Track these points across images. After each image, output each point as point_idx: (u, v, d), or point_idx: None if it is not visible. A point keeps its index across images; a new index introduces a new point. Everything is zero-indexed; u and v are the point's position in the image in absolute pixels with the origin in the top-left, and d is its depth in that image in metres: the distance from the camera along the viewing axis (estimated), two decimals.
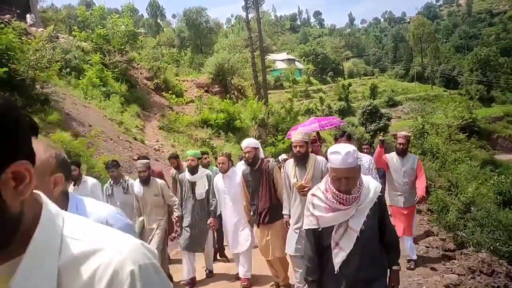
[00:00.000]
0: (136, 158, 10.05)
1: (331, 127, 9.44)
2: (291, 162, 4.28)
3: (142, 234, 5.24)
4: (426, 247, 6.05)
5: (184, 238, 5.26)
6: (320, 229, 2.29)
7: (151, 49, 29.68)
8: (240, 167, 5.50)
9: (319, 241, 2.33)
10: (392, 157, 5.45)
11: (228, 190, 5.04)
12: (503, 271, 4.97)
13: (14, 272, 0.70)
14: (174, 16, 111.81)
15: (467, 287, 4.49)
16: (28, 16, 18.54)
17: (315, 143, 6.58)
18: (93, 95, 14.85)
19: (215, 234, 6.07)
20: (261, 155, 4.81)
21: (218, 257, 6.45)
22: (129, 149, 11.87)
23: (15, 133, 0.70)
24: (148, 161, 5.41)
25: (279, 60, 62.87)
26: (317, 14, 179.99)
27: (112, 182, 5.46)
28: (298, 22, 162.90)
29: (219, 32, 65.64)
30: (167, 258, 6.11)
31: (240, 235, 5.03)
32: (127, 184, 5.43)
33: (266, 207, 4.53)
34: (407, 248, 5.14)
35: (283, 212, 4.36)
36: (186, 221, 5.28)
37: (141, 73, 21.09)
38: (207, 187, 5.31)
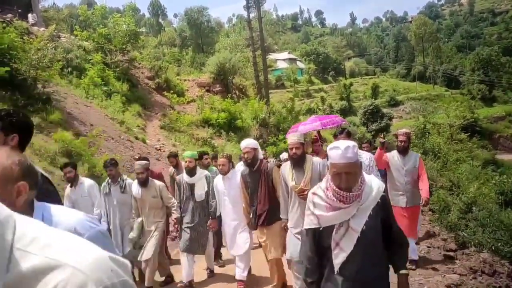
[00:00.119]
0: (137, 157, 10.05)
1: (333, 126, 9.40)
2: (287, 165, 4.18)
3: (142, 235, 5.21)
4: (428, 247, 6.04)
5: (184, 240, 5.19)
6: (321, 229, 2.21)
7: (152, 49, 29.78)
8: (240, 168, 5.43)
9: (319, 241, 2.25)
10: (393, 156, 5.35)
11: (228, 192, 4.99)
12: (504, 272, 4.96)
13: None
14: (175, 15, 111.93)
15: (468, 287, 4.48)
16: (30, 15, 18.56)
17: (317, 143, 6.53)
18: (94, 95, 14.87)
19: (214, 236, 5.97)
20: (260, 155, 4.74)
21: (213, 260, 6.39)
22: (130, 149, 11.88)
23: None
24: (146, 162, 5.34)
25: (280, 59, 62.86)
26: (319, 13, 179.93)
27: (109, 181, 5.44)
28: (300, 22, 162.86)
29: (220, 31, 65.71)
30: (167, 258, 6.10)
31: (239, 237, 4.97)
32: (125, 184, 5.39)
33: (265, 209, 4.48)
34: (409, 249, 5.10)
35: (281, 216, 4.30)
36: (186, 223, 5.20)
37: (142, 73, 21.11)
38: (206, 188, 5.24)
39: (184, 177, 5.27)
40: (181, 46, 60.22)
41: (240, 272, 4.93)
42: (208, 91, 23.45)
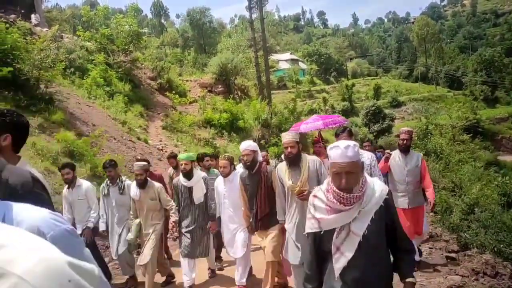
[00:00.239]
0: (139, 158, 10.08)
1: (336, 126, 9.36)
2: (283, 165, 4.09)
3: (139, 237, 5.16)
4: (430, 248, 6.03)
5: (184, 245, 5.09)
6: (321, 233, 2.13)
7: (154, 49, 29.76)
8: (239, 170, 5.30)
9: (320, 245, 2.17)
10: (394, 156, 5.27)
11: (229, 194, 4.92)
12: (507, 273, 4.93)
13: None
14: (177, 16, 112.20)
15: None
16: (32, 16, 18.64)
17: (318, 144, 6.50)
18: (97, 95, 14.92)
19: (214, 238, 5.88)
20: (260, 158, 4.66)
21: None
22: (133, 149, 11.91)
23: None
24: (145, 163, 5.27)
25: (282, 60, 62.81)
26: (321, 14, 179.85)
27: (108, 182, 5.41)
28: (302, 22, 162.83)
29: (222, 32, 65.72)
30: (166, 258, 6.08)
31: (238, 240, 4.89)
32: (124, 185, 5.35)
33: (265, 213, 4.41)
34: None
35: (278, 218, 4.22)
36: (185, 227, 5.10)
37: (144, 73, 21.15)
38: (205, 191, 5.13)
39: (181, 180, 5.14)
40: (183, 46, 60.27)
41: (238, 277, 4.89)
42: (210, 91, 23.48)
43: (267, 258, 4.37)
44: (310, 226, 2.20)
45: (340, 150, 2.03)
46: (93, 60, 16.92)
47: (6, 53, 9.97)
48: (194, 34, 60.41)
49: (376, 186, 2.14)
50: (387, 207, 2.13)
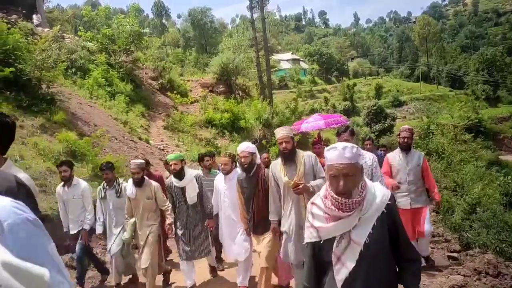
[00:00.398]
0: (140, 158, 10.09)
1: (337, 126, 9.30)
2: (278, 162, 4.01)
3: (134, 237, 5.08)
4: (431, 248, 6.01)
5: (182, 249, 4.97)
6: (321, 242, 2.00)
7: (156, 49, 29.82)
8: (238, 170, 5.06)
9: (320, 255, 2.04)
10: (395, 156, 5.16)
11: (229, 192, 4.76)
12: (509, 273, 4.92)
13: None
14: (179, 16, 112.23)
15: None
16: (34, 16, 18.66)
17: (317, 145, 6.46)
18: (98, 95, 14.95)
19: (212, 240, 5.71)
20: (258, 160, 4.52)
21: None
22: (134, 149, 11.92)
23: None
24: (142, 161, 5.20)
25: (283, 60, 62.81)
26: (322, 14, 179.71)
27: (105, 185, 5.32)
28: (303, 22, 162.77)
29: (224, 32, 65.75)
30: (164, 260, 6.03)
31: (238, 242, 4.71)
32: (121, 188, 5.27)
33: (261, 217, 4.28)
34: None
35: (271, 218, 4.12)
36: (181, 229, 4.96)
37: (146, 73, 21.18)
38: (197, 190, 4.96)
39: (173, 181, 4.98)
40: (184, 46, 60.34)
41: (241, 279, 4.81)
42: (211, 91, 23.49)
43: (262, 264, 4.27)
44: (309, 236, 2.07)
45: (337, 151, 1.93)
46: (94, 60, 16.95)
47: (8, 54, 10.00)
48: (196, 34, 60.49)
49: (377, 191, 2.00)
50: (390, 213, 1.98)
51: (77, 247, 5.27)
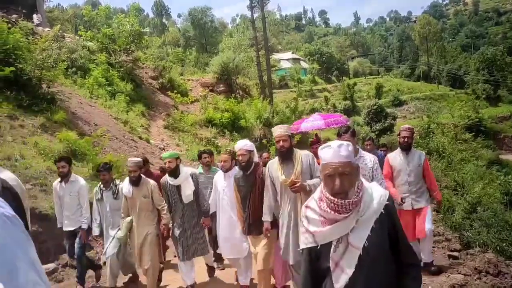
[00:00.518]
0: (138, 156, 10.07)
1: (337, 126, 9.25)
2: (275, 161, 3.96)
3: (130, 236, 5.00)
4: (432, 247, 6.01)
5: (180, 249, 4.90)
6: (318, 248, 1.89)
7: (156, 49, 29.79)
8: (237, 169, 4.93)
9: (317, 262, 1.92)
10: (395, 157, 5.07)
11: (229, 190, 4.64)
12: (509, 272, 4.92)
13: None
14: (179, 15, 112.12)
15: None
16: (34, 16, 18.66)
17: (315, 145, 6.44)
18: (98, 95, 14.95)
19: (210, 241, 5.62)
20: (256, 159, 4.46)
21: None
22: (134, 148, 11.93)
23: None
24: (140, 160, 5.12)
25: (284, 59, 62.78)
26: (323, 13, 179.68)
27: (102, 186, 5.25)
28: (303, 22, 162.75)
29: (224, 31, 65.81)
30: (164, 258, 5.98)
31: (238, 241, 4.61)
32: (118, 189, 5.19)
33: (258, 217, 4.17)
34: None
35: (263, 219, 4.04)
36: (178, 230, 4.88)
37: (146, 73, 21.18)
38: (193, 188, 4.85)
39: (168, 179, 4.90)
40: (184, 46, 60.32)
41: (242, 278, 4.78)
42: (211, 91, 23.49)
43: (258, 267, 4.20)
44: (304, 241, 1.95)
45: (332, 149, 1.84)
46: (95, 59, 16.95)
47: (8, 53, 10.00)
48: (196, 34, 60.45)
49: (375, 192, 1.91)
50: (389, 214, 1.88)
51: (76, 247, 5.23)
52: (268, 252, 4.17)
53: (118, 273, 5.35)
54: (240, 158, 4.27)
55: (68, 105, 11.68)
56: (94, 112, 12.95)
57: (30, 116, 9.82)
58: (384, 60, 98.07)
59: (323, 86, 57.96)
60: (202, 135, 17.24)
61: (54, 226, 5.55)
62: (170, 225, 4.93)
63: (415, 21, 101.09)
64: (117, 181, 5.36)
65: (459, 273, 4.79)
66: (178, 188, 4.85)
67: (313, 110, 35.31)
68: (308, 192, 3.55)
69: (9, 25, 11.59)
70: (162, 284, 5.43)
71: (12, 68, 9.69)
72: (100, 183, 5.30)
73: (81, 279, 5.35)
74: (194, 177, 4.94)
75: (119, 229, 5.11)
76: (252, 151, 4.36)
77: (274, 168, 3.94)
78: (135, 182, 4.85)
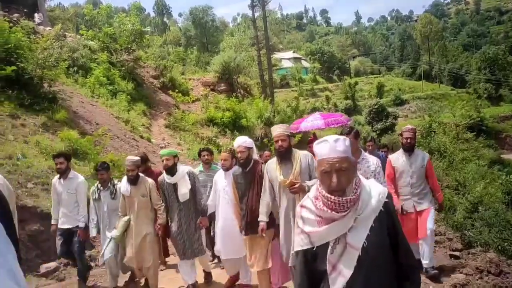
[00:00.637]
0: (139, 153, 10.07)
1: (338, 125, 9.17)
2: (273, 161, 3.92)
3: (126, 235, 4.89)
4: (433, 247, 6.00)
5: (178, 249, 4.86)
6: (314, 249, 1.78)
7: (157, 48, 29.82)
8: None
9: (314, 265, 1.81)
10: (398, 158, 4.94)
11: (229, 189, 4.57)
12: (511, 271, 4.92)
13: None
14: (180, 14, 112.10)
15: (474, 287, 4.46)
16: (36, 15, 18.71)
17: (312, 143, 6.38)
18: (100, 94, 14.97)
19: (207, 240, 5.52)
20: (255, 156, 4.40)
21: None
22: (136, 147, 11.94)
23: None
24: (138, 158, 5.04)
25: (285, 58, 62.76)
26: (324, 12, 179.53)
27: (99, 185, 5.17)
28: (305, 21, 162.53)
29: (225, 30, 65.85)
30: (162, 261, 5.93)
31: (238, 240, 4.49)
32: (116, 189, 5.11)
33: (255, 215, 4.09)
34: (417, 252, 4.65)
35: (259, 219, 3.98)
36: (175, 229, 4.81)
37: (147, 72, 21.20)
38: (189, 187, 4.77)
39: (165, 177, 4.86)
40: (186, 45, 60.38)
41: (243, 276, 4.74)
42: (212, 90, 23.50)
43: (258, 268, 4.16)
44: (300, 243, 1.84)
45: (328, 144, 1.75)
46: (96, 59, 16.98)
47: (10, 52, 10.02)
48: (197, 33, 60.52)
49: (373, 189, 1.81)
50: (388, 212, 1.78)
51: (75, 246, 5.20)
52: (265, 252, 4.13)
53: (118, 273, 5.31)
54: (239, 155, 4.22)
55: (69, 104, 11.70)
56: (96, 111, 12.96)
57: (31, 115, 9.84)
58: (386, 59, 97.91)
59: (324, 85, 57.96)
60: (203, 134, 17.25)
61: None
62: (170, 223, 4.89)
63: (416, 20, 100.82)
64: (115, 181, 5.29)
65: (460, 273, 4.79)
66: (174, 186, 4.80)
67: (314, 110, 35.29)
68: (307, 193, 3.50)
69: (11, 24, 11.62)
70: (162, 284, 5.40)
71: (13, 67, 9.71)
72: (98, 182, 5.22)
73: (82, 278, 5.34)
74: (191, 175, 4.87)
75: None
76: (251, 148, 4.31)
77: (272, 168, 3.90)
78: (133, 181, 4.80)
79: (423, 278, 4.56)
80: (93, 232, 5.26)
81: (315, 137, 6.37)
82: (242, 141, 4.25)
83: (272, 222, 4.09)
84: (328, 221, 1.74)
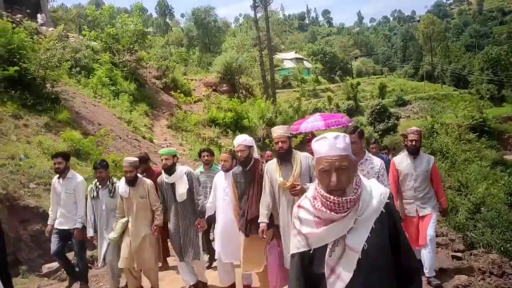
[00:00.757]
0: (139, 153, 10.09)
1: (339, 127, 9.17)
2: (274, 162, 3.88)
3: (123, 237, 4.81)
4: (435, 248, 5.99)
5: (176, 251, 4.82)
6: (311, 252, 1.70)
7: (159, 48, 29.89)
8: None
9: (310, 268, 1.72)
10: (402, 161, 4.80)
11: (230, 190, 4.48)
12: None
13: None
14: (182, 15, 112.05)
15: None
16: (39, 15, 18.76)
17: (311, 143, 6.32)
18: (102, 94, 15.01)
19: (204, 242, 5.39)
20: (255, 155, 4.33)
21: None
22: (138, 148, 11.95)
23: None
24: (136, 159, 4.94)
25: (287, 59, 62.77)
26: (326, 12, 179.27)
27: (97, 184, 5.07)
28: (307, 21, 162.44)
29: (227, 31, 65.84)
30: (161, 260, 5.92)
31: (238, 242, 4.39)
32: (114, 187, 5.02)
33: (255, 215, 4.03)
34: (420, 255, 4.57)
35: (259, 220, 3.91)
36: (173, 230, 4.77)
37: (149, 72, 21.24)
38: (187, 187, 4.72)
39: (163, 177, 4.81)
40: (188, 46, 60.42)
41: (244, 279, 4.71)
42: (215, 90, 23.51)
43: (257, 269, 4.14)
44: (296, 245, 1.75)
45: (328, 141, 1.66)
46: (98, 59, 17.02)
47: (13, 53, 10.06)
48: (199, 33, 60.49)
49: (374, 189, 1.73)
50: (390, 213, 1.70)
51: (75, 246, 5.19)
52: (261, 252, 4.10)
53: (120, 274, 5.24)
54: (239, 153, 4.16)
55: (72, 104, 11.73)
56: (98, 112, 12.99)
57: (34, 115, 9.87)
58: (388, 60, 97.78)
59: (326, 86, 57.93)
60: (205, 134, 17.27)
61: None
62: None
63: (418, 21, 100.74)
64: (114, 179, 5.22)
65: (462, 274, 4.78)
66: (172, 186, 4.76)
67: (316, 110, 35.27)
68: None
69: (14, 25, 11.65)
70: (163, 285, 5.37)
71: (16, 68, 9.74)
72: (96, 180, 5.14)
73: (83, 277, 5.33)
74: (189, 175, 4.80)
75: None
76: (252, 146, 4.23)
77: (272, 169, 3.86)
78: (132, 182, 4.73)
79: (424, 278, 4.54)
80: (90, 232, 5.16)
81: (314, 136, 6.33)
82: (242, 139, 4.20)
83: (271, 222, 4.05)
84: (327, 222, 1.66)
